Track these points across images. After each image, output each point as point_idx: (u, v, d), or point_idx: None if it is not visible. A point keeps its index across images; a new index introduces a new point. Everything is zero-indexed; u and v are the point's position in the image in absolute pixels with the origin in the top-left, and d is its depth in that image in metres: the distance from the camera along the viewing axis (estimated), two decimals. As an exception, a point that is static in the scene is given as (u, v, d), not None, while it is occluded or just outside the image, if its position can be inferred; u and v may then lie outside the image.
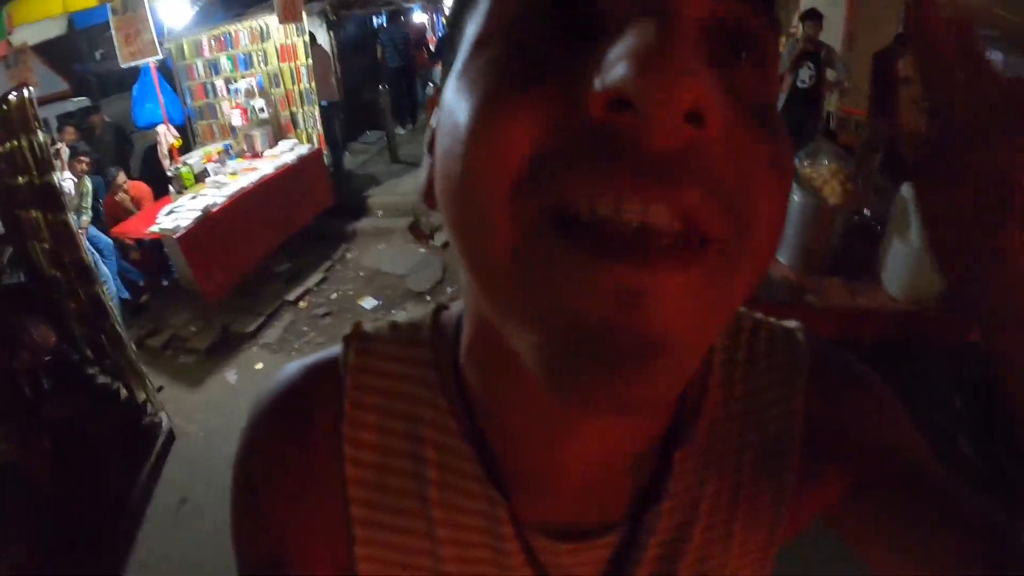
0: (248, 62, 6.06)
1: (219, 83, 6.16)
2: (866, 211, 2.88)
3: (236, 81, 6.05)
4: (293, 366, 0.48)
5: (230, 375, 4.18)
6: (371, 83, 7.78)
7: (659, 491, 0.43)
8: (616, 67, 0.23)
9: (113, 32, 4.73)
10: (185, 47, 6.13)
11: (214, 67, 6.15)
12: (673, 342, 0.26)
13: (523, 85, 0.26)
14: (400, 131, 8.28)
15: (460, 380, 0.44)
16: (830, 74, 5.19)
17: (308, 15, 5.48)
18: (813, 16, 5.04)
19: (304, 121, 6.17)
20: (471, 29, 0.31)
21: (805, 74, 5.09)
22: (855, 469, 0.45)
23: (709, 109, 0.24)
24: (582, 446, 0.40)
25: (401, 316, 0.49)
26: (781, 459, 0.45)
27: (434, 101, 0.38)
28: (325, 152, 6.29)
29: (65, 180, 4.00)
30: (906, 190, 2.42)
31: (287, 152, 5.74)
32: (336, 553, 0.45)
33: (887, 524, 0.43)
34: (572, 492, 0.43)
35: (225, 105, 6.13)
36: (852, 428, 0.46)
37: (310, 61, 5.89)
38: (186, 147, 5.94)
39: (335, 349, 0.48)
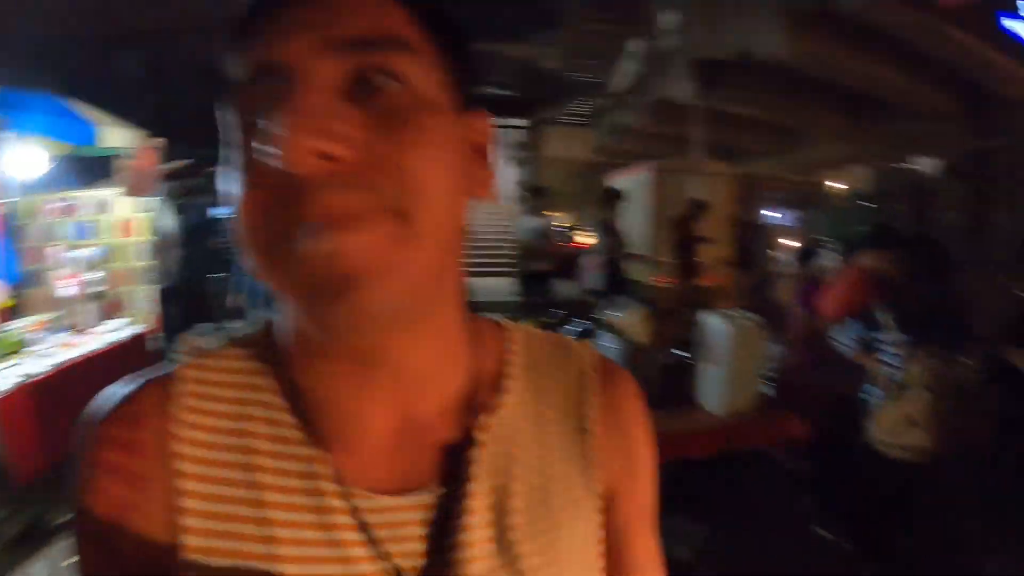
0: (88, 232, 5.83)
1: (55, 250, 5.82)
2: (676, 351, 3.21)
3: (73, 250, 5.75)
4: (123, 379, 0.50)
5: (39, 570, 3.60)
6: (210, 272, 7.32)
7: (473, 450, 0.48)
8: (271, 145, 0.36)
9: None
10: (27, 205, 5.75)
11: (52, 232, 5.83)
12: (363, 279, 0.38)
13: (252, 181, 0.40)
14: (232, 325, 7.84)
15: (289, 373, 0.49)
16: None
17: (155, 194, 5.46)
18: (613, 195, 5.92)
19: (139, 301, 5.84)
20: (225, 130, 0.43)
21: (606, 243, 5.83)
22: (616, 477, 0.55)
23: (335, 150, 0.36)
24: (380, 403, 0.47)
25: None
26: (582, 438, 0.53)
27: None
28: (159, 335, 5.89)
29: None
30: (708, 319, 2.86)
31: (118, 331, 5.39)
32: (166, 545, 0.45)
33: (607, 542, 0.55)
34: (387, 451, 0.48)
35: (60, 273, 5.76)
36: (627, 440, 0.56)
37: (152, 239, 5.71)
38: (16, 310, 5.38)
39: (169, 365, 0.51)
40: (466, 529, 0.46)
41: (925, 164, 10.16)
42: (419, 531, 0.46)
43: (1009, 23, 7.92)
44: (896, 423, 2.50)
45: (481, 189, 0.47)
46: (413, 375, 0.47)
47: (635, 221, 7.01)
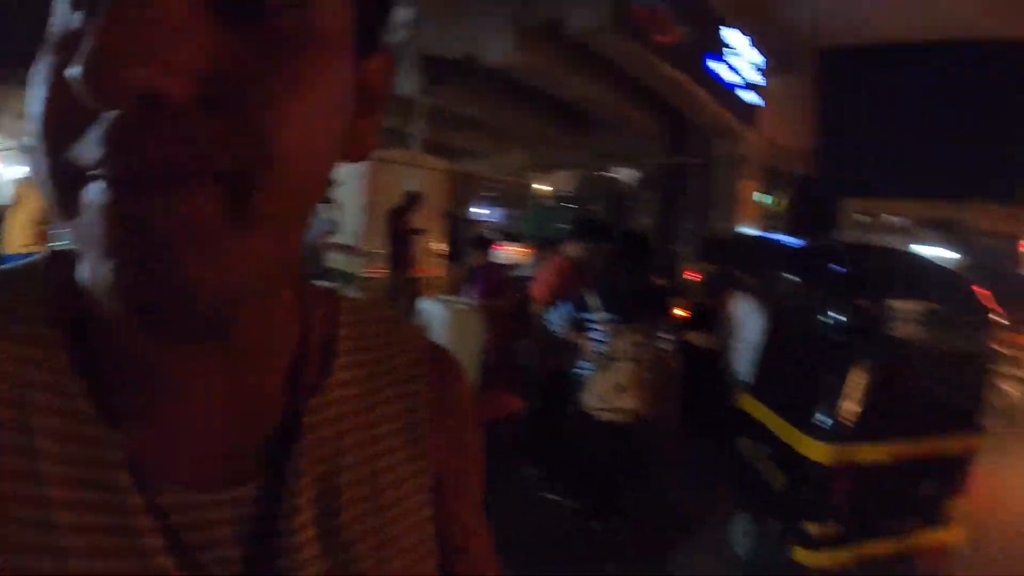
0: None
1: None
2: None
3: None
4: None
5: None
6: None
7: (297, 436, 0.41)
8: (72, 65, 0.25)
9: None
10: None
11: None
12: (179, 262, 0.27)
13: (50, 102, 0.29)
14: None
15: (78, 318, 0.38)
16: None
17: None
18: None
19: None
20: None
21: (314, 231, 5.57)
22: (444, 471, 0.50)
23: (171, 88, 0.25)
24: (203, 376, 0.37)
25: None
26: (412, 426, 0.48)
27: None
28: None
29: None
30: (425, 306, 2.93)
31: None
32: None
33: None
34: (202, 434, 0.38)
35: None
36: (456, 431, 0.51)
37: None
38: None
39: None
40: (293, 532, 0.39)
41: (623, 174, 12.13)
42: (235, 533, 0.38)
43: (713, 64, 9.99)
44: (606, 390, 2.83)
45: (359, 150, 0.37)
46: (246, 347, 0.38)
47: (349, 211, 6.81)
